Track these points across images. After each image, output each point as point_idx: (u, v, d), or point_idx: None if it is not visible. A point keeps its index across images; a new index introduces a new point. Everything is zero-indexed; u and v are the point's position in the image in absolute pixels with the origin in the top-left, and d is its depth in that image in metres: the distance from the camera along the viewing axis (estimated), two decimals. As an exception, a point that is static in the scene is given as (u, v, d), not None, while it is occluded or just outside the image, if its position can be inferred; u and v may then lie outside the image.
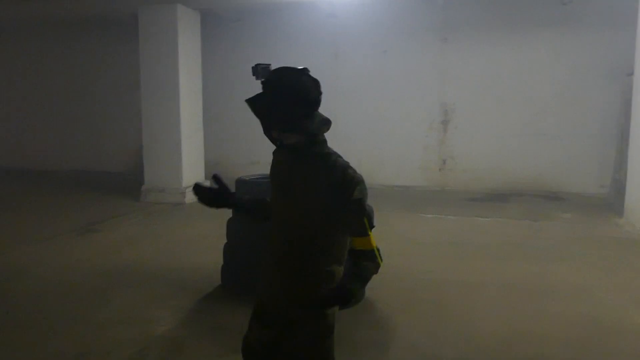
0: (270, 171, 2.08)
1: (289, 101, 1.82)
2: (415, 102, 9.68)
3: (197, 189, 2.14)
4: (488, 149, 9.36)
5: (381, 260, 1.93)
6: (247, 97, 1.86)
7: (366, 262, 1.90)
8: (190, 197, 7.83)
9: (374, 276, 1.95)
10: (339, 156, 1.95)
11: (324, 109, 1.93)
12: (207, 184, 2.22)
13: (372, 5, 9.19)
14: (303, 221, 1.93)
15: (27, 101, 12.14)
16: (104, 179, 10.50)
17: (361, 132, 9.85)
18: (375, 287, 4.38)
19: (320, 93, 1.89)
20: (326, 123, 1.94)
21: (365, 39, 9.78)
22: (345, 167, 1.90)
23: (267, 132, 1.91)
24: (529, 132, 9.16)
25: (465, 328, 3.78)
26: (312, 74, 1.91)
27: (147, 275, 4.90)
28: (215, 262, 4.58)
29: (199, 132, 8.89)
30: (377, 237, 1.96)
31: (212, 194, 2.14)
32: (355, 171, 1.91)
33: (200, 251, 5.58)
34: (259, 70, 1.86)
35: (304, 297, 1.95)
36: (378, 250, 1.93)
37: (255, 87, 1.90)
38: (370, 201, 2.04)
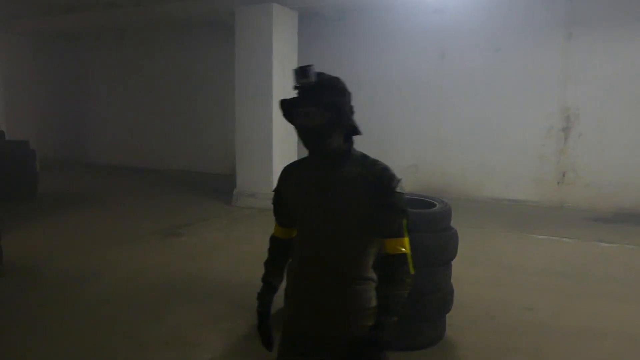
0: (290, 194, 1.97)
1: (348, 99, 1.83)
2: (531, 107, 8.58)
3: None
4: (619, 161, 7.99)
5: (413, 268, 1.77)
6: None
7: (395, 269, 1.76)
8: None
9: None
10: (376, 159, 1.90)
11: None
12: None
13: (485, -2, 8.29)
14: (342, 230, 1.81)
15: (140, 102, 12.82)
16: (205, 180, 10.65)
17: (467, 139, 8.96)
18: (458, 325, 3.69)
19: None
20: None
21: (475, 36, 8.86)
22: (386, 167, 1.84)
23: (324, 139, 1.80)
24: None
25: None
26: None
27: (212, 288, 4.63)
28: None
29: (292, 136, 8.59)
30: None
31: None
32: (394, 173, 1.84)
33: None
34: (310, 72, 1.72)
35: (347, 317, 1.80)
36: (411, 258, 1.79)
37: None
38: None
